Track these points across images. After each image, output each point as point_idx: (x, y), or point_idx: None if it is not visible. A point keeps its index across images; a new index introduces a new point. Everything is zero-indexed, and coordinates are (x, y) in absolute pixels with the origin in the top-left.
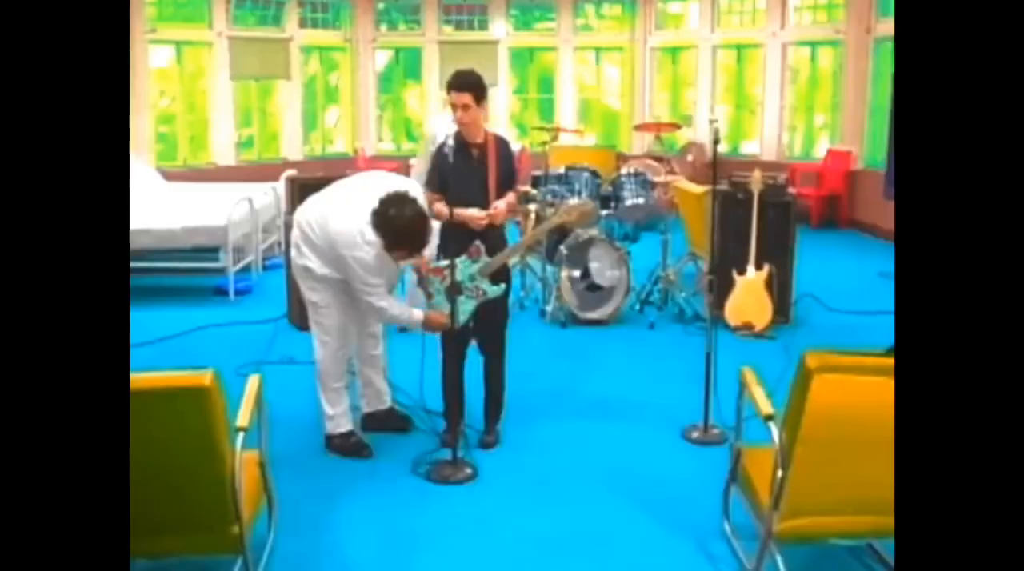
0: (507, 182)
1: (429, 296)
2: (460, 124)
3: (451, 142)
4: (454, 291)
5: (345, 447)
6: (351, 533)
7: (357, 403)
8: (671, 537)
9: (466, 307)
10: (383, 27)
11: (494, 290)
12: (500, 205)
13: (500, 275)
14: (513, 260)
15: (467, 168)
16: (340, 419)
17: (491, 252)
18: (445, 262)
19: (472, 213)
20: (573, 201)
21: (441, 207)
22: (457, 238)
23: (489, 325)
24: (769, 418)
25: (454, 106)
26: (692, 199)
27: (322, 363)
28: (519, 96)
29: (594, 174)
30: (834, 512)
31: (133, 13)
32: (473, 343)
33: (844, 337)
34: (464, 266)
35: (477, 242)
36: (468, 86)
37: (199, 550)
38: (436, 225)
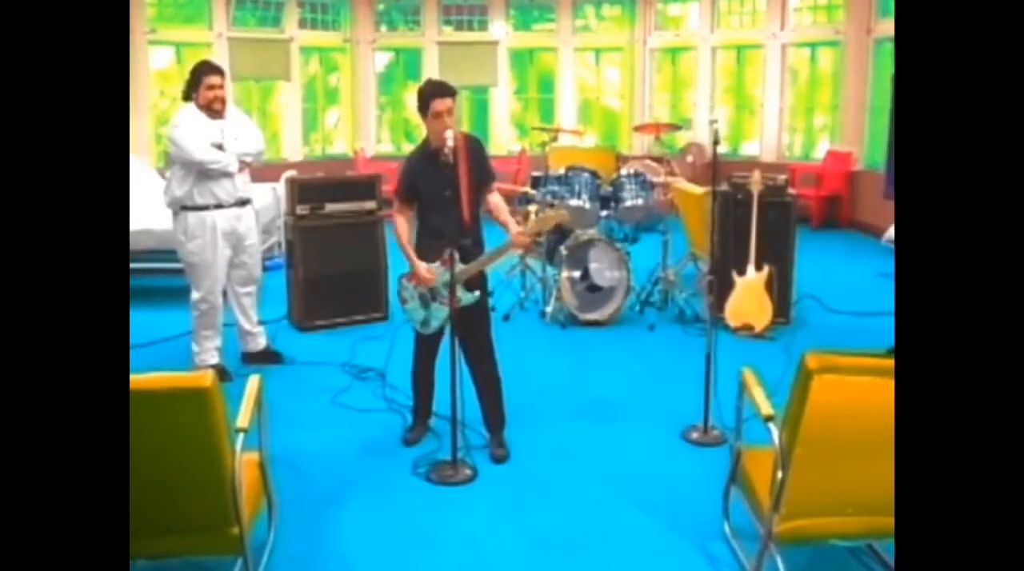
0: (482, 177)
1: (403, 301)
2: (446, 129)
3: (451, 142)
4: (453, 291)
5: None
6: (351, 534)
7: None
8: (671, 538)
9: (439, 314)
10: (383, 28)
11: (468, 297)
12: (511, 226)
13: (475, 282)
14: (491, 266)
15: (439, 176)
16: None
17: (465, 259)
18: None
19: (422, 269)
20: (547, 211)
21: (401, 230)
22: (431, 246)
23: (473, 335)
24: (769, 419)
25: (439, 113)
26: (692, 200)
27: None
28: (519, 97)
29: (594, 175)
30: (834, 513)
31: (133, 14)
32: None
33: (844, 338)
34: (437, 274)
35: (451, 250)
36: (451, 91)
37: (199, 551)
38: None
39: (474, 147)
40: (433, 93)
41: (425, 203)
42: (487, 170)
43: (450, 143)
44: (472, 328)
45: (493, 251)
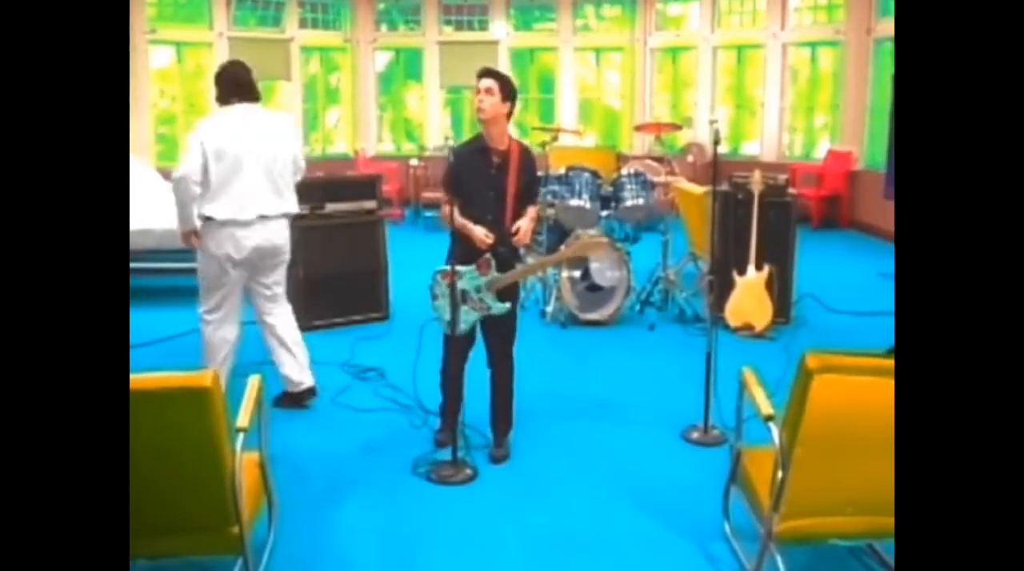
0: (529, 195)
1: (435, 297)
2: (480, 111)
3: (472, 145)
4: (453, 295)
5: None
6: (351, 534)
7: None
8: (671, 538)
9: (468, 317)
10: (383, 27)
11: (498, 307)
12: (523, 225)
13: (508, 292)
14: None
15: (485, 176)
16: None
17: (501, 268)
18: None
19: (479, 233)
20: (590, 235)
21: (450, 211)
22: (466, 246)
23: (497, 340)
24: (769, 419)
25: (477, 91)
26: (692, 200)
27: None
28: (519, 96)
29: (594, 175)
30: (834, 512)
31: (133, 13)
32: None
33: (844, 337)
34: (471, 277)
35: (487, 256)
36: (493, 75)
37: (199, 551)
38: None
39: (527, 159)
40: (477, 75)
41: (466, 199)
42: (534, 188)
43: (450, 143)
44: (497, 334)
45: (529, 266)
